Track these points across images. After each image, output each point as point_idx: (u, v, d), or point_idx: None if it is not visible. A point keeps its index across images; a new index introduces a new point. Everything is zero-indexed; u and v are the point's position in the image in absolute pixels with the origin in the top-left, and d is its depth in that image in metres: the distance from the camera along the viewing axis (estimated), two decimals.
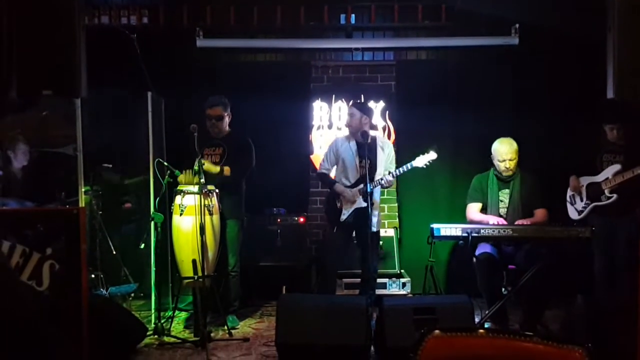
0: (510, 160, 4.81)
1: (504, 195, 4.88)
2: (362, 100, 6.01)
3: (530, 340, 1.80)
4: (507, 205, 4.86)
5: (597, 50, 5.47)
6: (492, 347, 1.83)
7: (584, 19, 5.42)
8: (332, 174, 5.11)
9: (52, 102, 4.59)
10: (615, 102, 5.07)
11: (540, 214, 4.82)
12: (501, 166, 4.84)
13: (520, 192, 4.84)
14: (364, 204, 4.69)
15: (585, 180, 4.91)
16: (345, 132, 5.39)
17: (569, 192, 5.02)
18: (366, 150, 4.75)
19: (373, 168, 4.82)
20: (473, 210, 4.95)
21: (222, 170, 4.84)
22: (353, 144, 4.94)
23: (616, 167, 4.73)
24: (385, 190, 5.83)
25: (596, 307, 4.12)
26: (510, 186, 4.88)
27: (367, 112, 5.05)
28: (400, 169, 4.89)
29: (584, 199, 4.90)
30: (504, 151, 4.83)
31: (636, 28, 3.26)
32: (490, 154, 4.93)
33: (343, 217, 4.89)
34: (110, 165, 5.40)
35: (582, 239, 4.38)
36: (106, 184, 5.37)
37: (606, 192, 4.75)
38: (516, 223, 4.69)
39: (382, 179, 4.83)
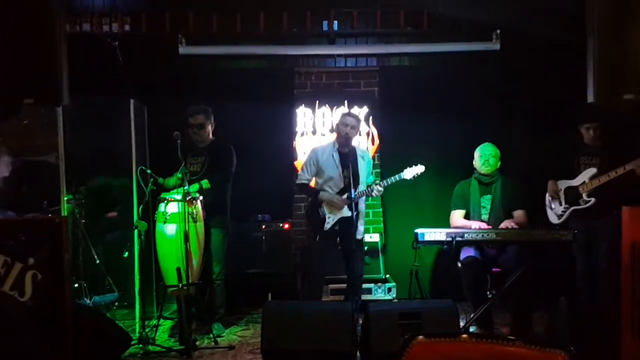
0: (492, 155, 4.88)
1: (486, 201, 4.93)
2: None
3: (513, 344, 1.82)
4: (489, 211, 4.90)
5: (578, 55, 5.52)
6: (476, 352, 1.84)
7: (564, 24, 5.47)
8: (311, 184, 5.04)
9: (33, 111, 4.55)
10: (592, 104, 5.13)
11: (518, 215, 4.86)
12: (480, 162, 4.91)
13: (501, 196, 4.89)
14: (349, 213, 4.67)
15: (563, 184, 4.95)
16: (324, 140, 5.35)
17: (548, 197, 5.06)
18: (349, 160, 4.75)
19: (356, 177, 4.78)
20: (456, 217, 5.00)
21: (201, 187, 4.81)
22: (336, 154, 4.88)
23: (592, 170, 4.77)
24: None
25: (578, 309, 4.15)
26: (492, 190, 4.92)
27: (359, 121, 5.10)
28: (389, 179, 4.85)
29: (563, 203, 4.94)
30: (484, 150, 4.93)
31: (616, 33, 3.30)
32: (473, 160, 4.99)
33: (327, 225, 4.83)
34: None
35: (565, 242, 4.43)
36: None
37: (584, 195, 4.79)
38: (501, 226, 4.73)
39: (372, 189, 4.80)
